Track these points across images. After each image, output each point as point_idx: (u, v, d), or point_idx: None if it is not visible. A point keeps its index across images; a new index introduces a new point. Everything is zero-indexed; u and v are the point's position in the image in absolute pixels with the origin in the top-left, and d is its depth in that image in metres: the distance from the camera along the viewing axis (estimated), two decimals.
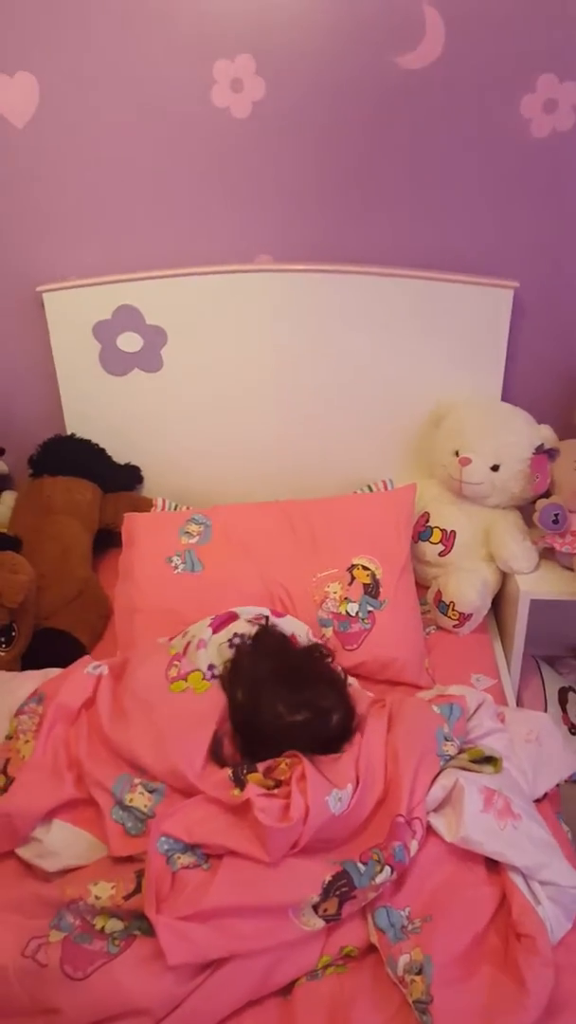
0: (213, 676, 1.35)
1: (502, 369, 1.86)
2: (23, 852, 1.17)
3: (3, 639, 1.59)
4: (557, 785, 1.32)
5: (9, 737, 1.27)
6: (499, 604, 1.86)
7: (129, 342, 1.87)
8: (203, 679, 1.34)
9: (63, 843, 1.16)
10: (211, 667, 1.36)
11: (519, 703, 1.81)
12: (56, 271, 1.85)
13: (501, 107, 1.68)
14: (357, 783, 1.17)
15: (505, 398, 1.89)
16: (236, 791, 1.15)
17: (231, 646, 1.41)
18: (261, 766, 1.19)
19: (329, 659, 1.45)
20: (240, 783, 1.16)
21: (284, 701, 1.27)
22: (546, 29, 1.60)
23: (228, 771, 1.18)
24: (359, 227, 1.81)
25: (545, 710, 1.82)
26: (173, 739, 1.21)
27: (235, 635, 1.42)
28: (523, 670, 1.89)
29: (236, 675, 1.34)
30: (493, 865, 1.14)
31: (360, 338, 1.85)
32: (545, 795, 1.31)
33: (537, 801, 1.29)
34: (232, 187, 1.78)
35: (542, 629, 2.04)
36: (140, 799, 1.18)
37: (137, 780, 1.20)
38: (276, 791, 1.14)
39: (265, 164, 1.75)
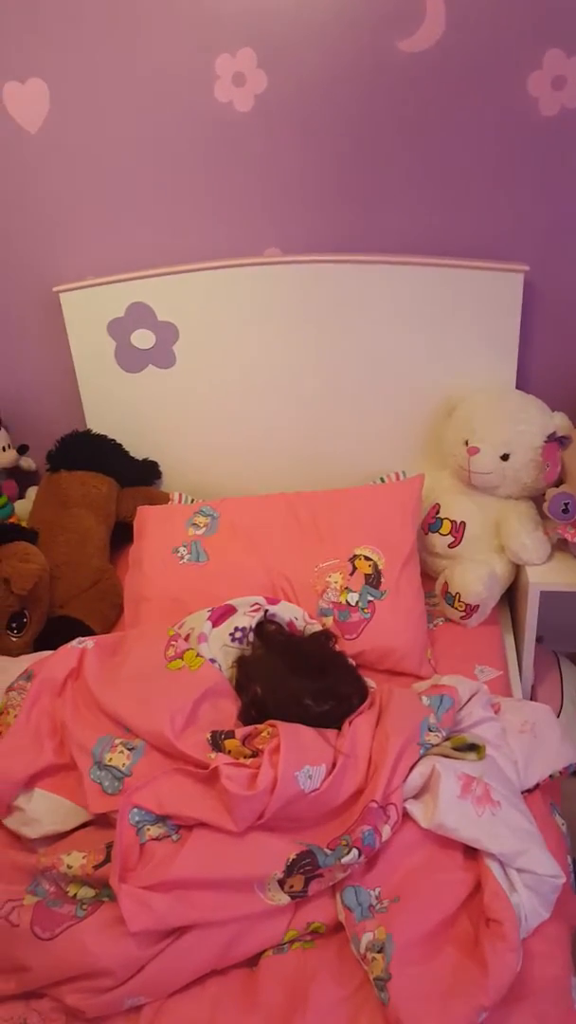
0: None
1: (515, 356, 1.82)
2: (8, 822, 1.22)
3: (15, 625, 1.65)
4: (551, 776, 1.29)
5: (1, 712, 1.33)
6: (514, 597, 1.82)
7: (142, 339, 1.92)
8: (196, 656, 1.37)
9: (44, 810, 1.21)
10: (212, 661, 1.39)
11: (534, 698, 1.76)
12: (72, 271, 1.91)
13: (507, 86, 1.65)
14: (333, 766, 1.17)
15: (520, 386, 1.85)
16: (212, 754, 1.17)
17: (233, 640, 1.43)
18: (240, 733, 1.21)
19: (335, 643, 1.48)
20: (218, 747, 1.19)
21: (310, 693, 1.29)
22: (550, 1, 1.56)
23: (207, 734, 1.21)
24: (366, 216, 1.81)
25: (560, 706, 1.77)
26: (158, 702, 1.25)
27: (236, 629, 1.45)
28: (540, 665, 1.84)
29: (253, 672, 1.36)
30: (472, 851, 1.12)
31: (371, 328, 1.85)
32: (537, 785, 1.27)
33: (529, 791, 1.26)
34: (238, 181, 1.80)
35: (575, 624, 1.99)
36: (119, 758, 1.21)
37: (118, 740, 1.24)
38: (248, 762, 1.16)
39: (270, 156, 1.77)
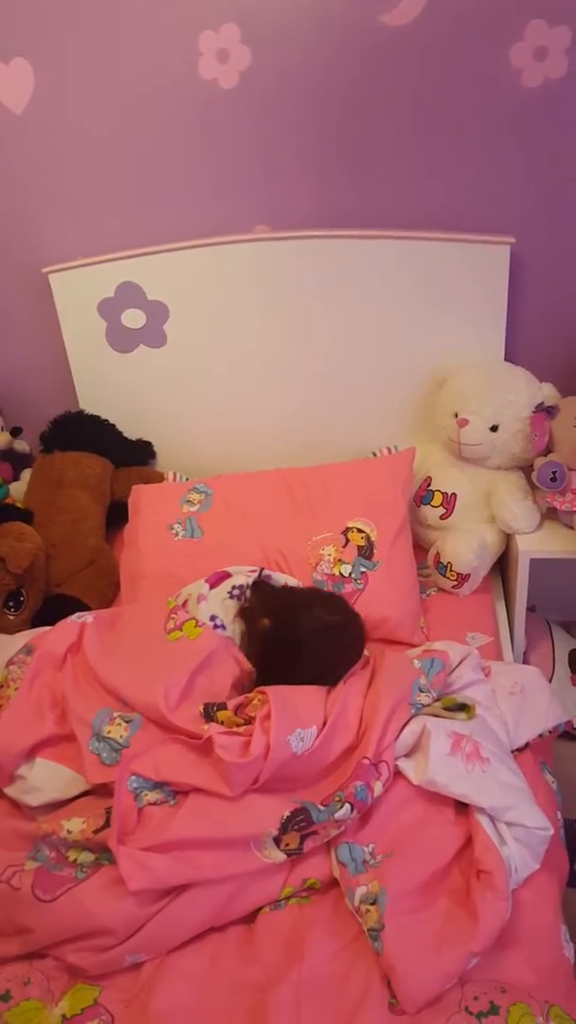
0: (216, 626, 1.40)
1: (503, 328, 1.83)
2: (10, 791, 1.25)
3: (12, 604, 1.67)
4: (540, 736, 1.31)
5: (1, 686, 1.35)
6: (506, 566, 1.84)
7: (133, 318, 1.93)
8: (196, 626, 1.39)
9: (45, 778, 1.24)
10: (213, 617, 1.41)
11: (526, 664, 1.79)
12: (61, 252, 1.91)
13: (490, 58, 1.65)
14: (323, 725, 1.19)
15: (509, 358, 1.86)
16: (205, 726, 1.19)
17: (231, 596, 1.46)
18: (231, 703, 1.24)
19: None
20: (211, 719, 1.21)
21: (321, 606, 1.37)
22: None
23: (199, 707, 1.23)
24: (353, 191, 1.81)
25: (552, 672, 1.80)
26: (154, 676, 1.27)
27: (233, 587, 1.47)
28: (533, 632, 1.88)
29: (265, 599, 1.41)
30: (462, 807, 1.15)
31: (361, 303, 1.85)
32: (527, 745, 1.30)
33: (520, 751, 1.29)
34: (225, 158, 1.80)
35: (567, 593, 2.01)
36: (117, 730, 1.24)
37: (116, 713, 1.26)
38: (241, 730, 1.18)
39: (256, 133, 1.77)
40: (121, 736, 1.23)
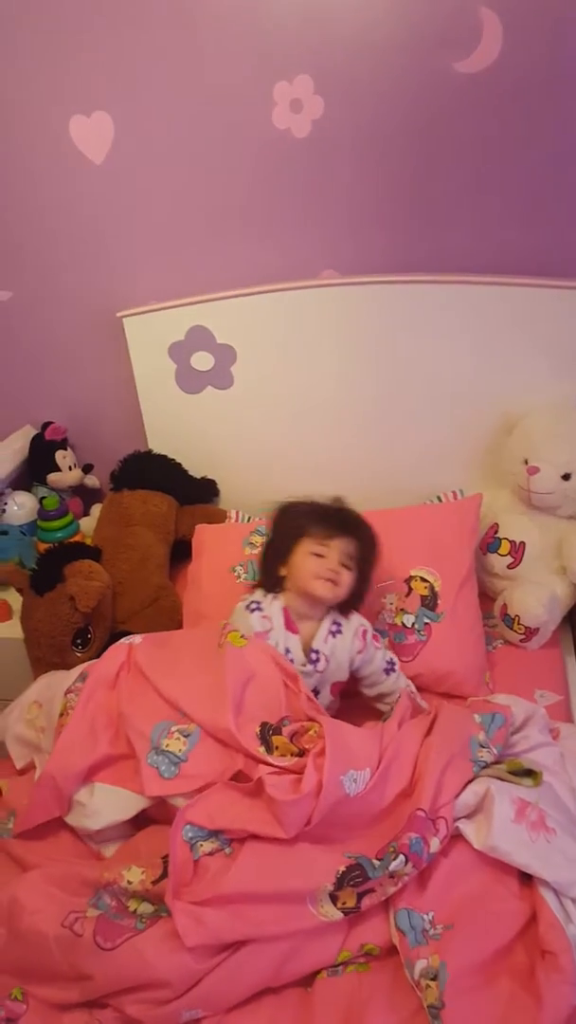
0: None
1: None
2: (70, 819, 1.28)
3: (79, 641, 1.71)
4: None
5: (61, 715, 1.38)
6: None
7: (202, 361, 1.97)
8: (240, 636, 1.40)
9: (104, 802, 1.26)
10: (225, 626, 1.43)
11: None
12: (135, 297, 1.98)
13: (565, 103, 1.64)
14: (377, 767, 1.18)
15: None
16: (261, 748, 1.20)
17: (250, 611, 1.46)
18: (287, 730, 1.24)
19: None
20: (266, 743, 1.22)
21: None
22: None
23: (256, 726, 1.24)
24: (424, 237, 1.81)
25: None
26: (215, 692, 1.28)
27: (252, 602, 1.48)
28: None
29: None
30: (527, 879, 1.11)
31: (429, 347, 1.85)
32: None
33: None
34: (295, 205, 1.83)
35: None
36: (175, 744, 1.25)
37: (175, 728, 1.28)
38: (291, 764, 1.18)
39: (326, 180, 1.80)
40: (180, 750, 1.24)
